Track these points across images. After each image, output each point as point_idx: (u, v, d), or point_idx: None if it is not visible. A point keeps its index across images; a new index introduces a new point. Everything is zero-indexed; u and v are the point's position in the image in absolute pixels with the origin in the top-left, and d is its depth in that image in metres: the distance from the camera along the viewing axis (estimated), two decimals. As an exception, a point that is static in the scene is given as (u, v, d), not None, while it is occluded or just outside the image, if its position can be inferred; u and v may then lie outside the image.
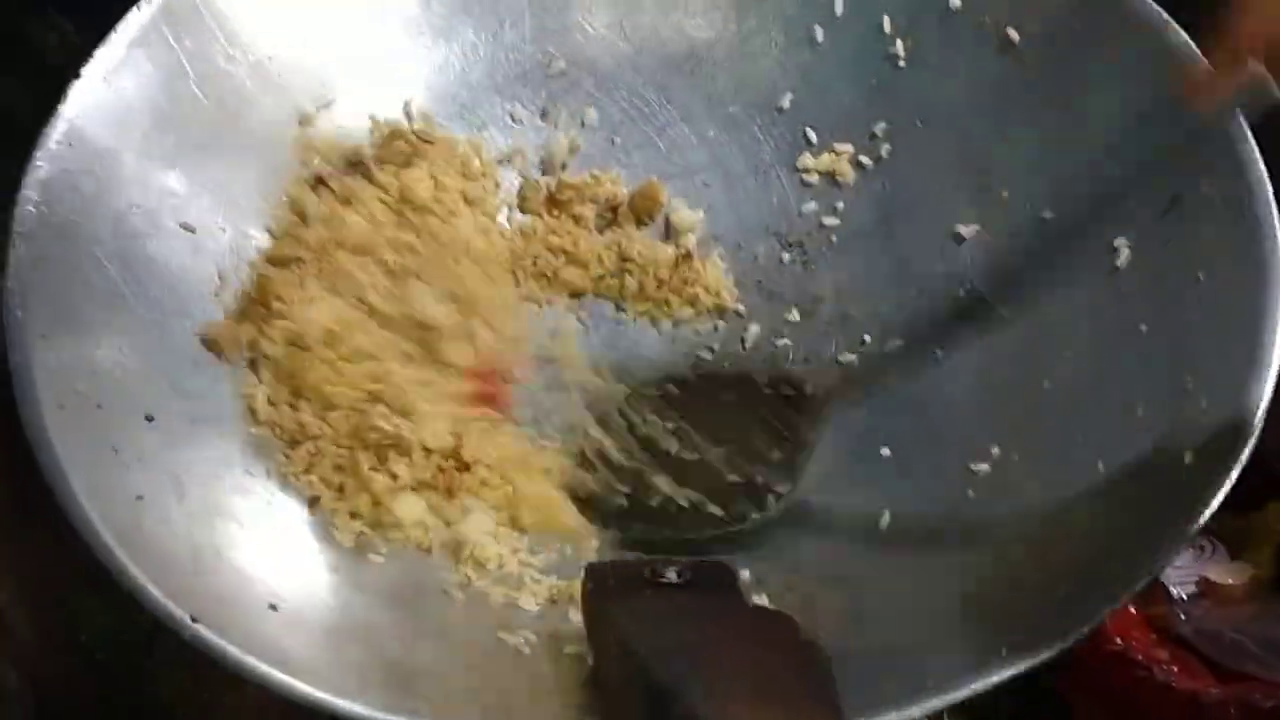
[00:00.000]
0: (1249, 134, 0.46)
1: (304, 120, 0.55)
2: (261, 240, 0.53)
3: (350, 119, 0.56)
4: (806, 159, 0.59)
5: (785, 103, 0.59)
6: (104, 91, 0.50)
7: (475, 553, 0.48)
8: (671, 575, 0.43)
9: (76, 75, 0.49)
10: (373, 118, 0.56)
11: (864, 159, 0.58)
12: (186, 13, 0.52)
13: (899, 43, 0.57)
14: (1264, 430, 0.42)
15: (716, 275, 0.57)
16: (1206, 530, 0.71)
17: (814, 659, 0.37)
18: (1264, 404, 0.42)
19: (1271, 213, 0.45)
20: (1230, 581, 0.68)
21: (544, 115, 0.59)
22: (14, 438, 0.43)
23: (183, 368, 0.48)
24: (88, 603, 0.55)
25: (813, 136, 0.59)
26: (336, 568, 0.46)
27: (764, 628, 0.40)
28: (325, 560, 0.47)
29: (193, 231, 0.51)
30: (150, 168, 0.51)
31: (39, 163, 0.47)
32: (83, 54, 0.50)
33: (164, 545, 0.42)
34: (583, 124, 0.59)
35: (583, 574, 0.44)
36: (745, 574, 0.48)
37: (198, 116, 0.52)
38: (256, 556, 0.45)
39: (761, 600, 0.47)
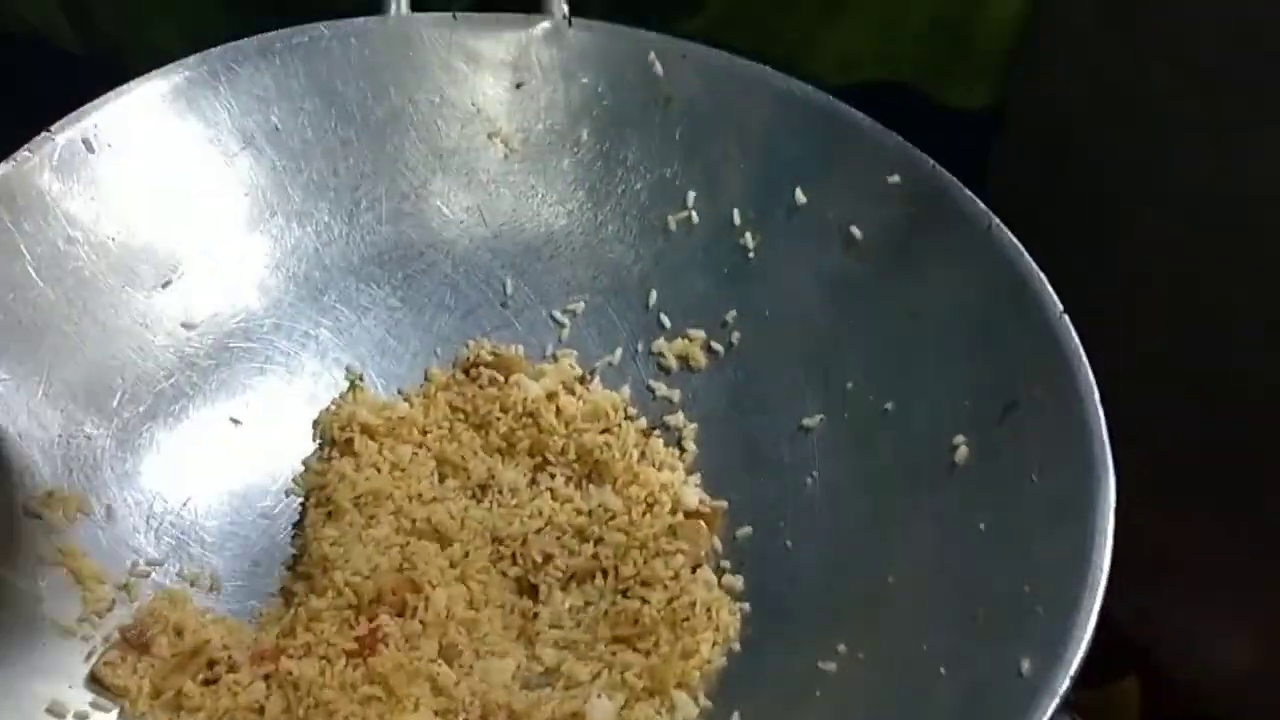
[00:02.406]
0: (1078, 342, 0.49)
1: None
2: (93, 425, 0.51)
3: (197, 297, 0.55)
4: (661, 343, 0.59)
5: (639, 288, 0.60)
6: (-71, 274, 0.48)
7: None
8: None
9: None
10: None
11: (715, 345, 0.59)
12: (25, 194, 0.51)
13: (748, 235, 0.58)
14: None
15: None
16: (1065, 704, 0.72)
17: None
18: (1095, 610, 0.43)
19: (1099, 418, 0.47)
20: (1091, 757, 0.68)
21: (400, 297, 0.59)
22: None
23: (4, 569, 0.46)
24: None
25: (667, 321, 0.60)
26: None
27: None
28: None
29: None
30: (-24, 353, 0.49)
31: None
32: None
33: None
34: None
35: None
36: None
37: (32, 298, 0.51)
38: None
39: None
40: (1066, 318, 0.49)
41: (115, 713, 0.46)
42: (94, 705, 0.46)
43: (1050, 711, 0.41)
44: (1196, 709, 0.70)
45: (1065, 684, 0.41)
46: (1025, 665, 0.42)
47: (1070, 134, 0.70)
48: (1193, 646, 0.73)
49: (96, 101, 0.54)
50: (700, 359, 0.59)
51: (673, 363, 0.59)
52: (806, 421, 0.56)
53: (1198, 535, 0.68)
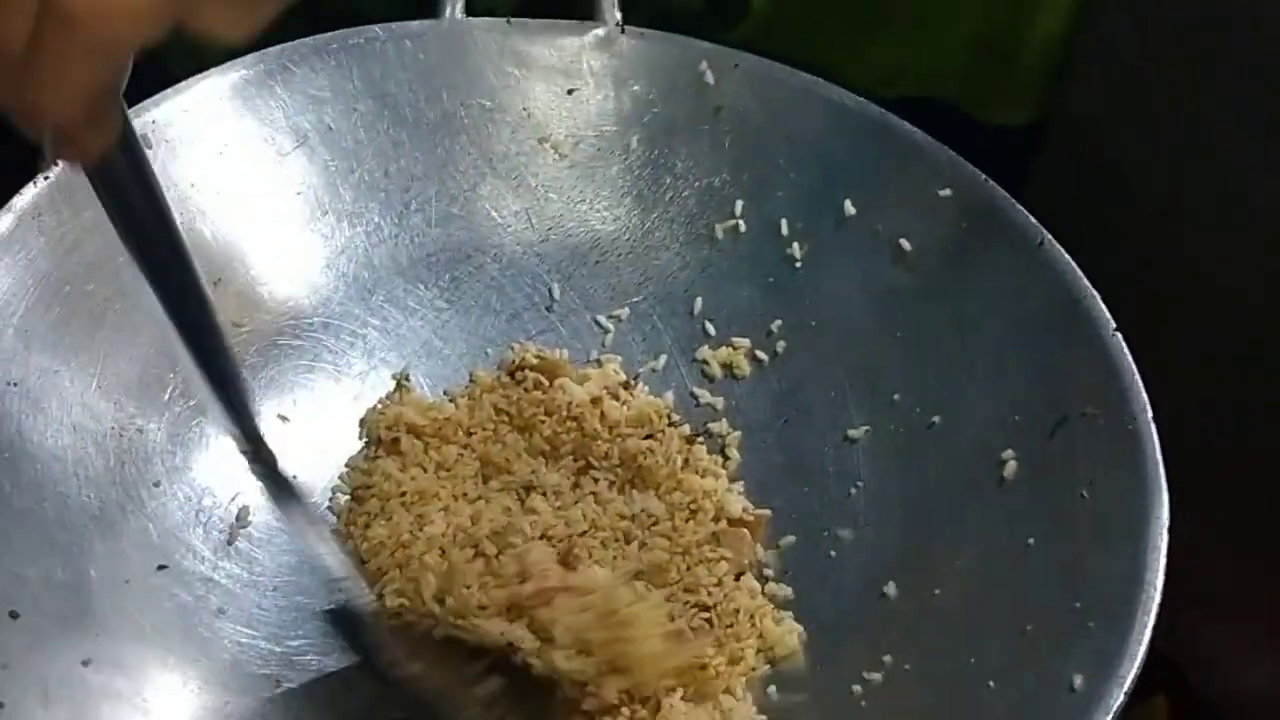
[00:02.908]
0: (1131, 360, 0.49)
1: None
2: (145, 420, 0.51)
3: (247, 295, 0.56)
4: (705, 350, 0.59)
5: (685, 295, 0.60)
6: (-11, 263, 0.49)
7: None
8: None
9: (-38, 250, 0.48)
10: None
11: (760, 354, 0.59)
12: (84, 188, 0.51)
13: (796, 245, 0.59)
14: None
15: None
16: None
17: None
18: (1149, 628, 0.43)
19: (1153, 437, 0.47)
20: (1115, 773, 0.68)
21: (447, 299, 0.59)
22: None
23: (55, 558, 0.46)
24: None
25: (711, 329, 0.60)
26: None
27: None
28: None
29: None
30: (32, 344, 0.49)
31: (-86, 337, 0.46)
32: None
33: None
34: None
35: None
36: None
37: (87, 292, 0.51)
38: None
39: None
40: (1120, 336, 0.49)
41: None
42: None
43: (1104, 730, 0.41)
44: (1225, 728, 0.70)
45: (1119, 699, 0.41)
46: (1078, 681, 0.42)
47: (1107, 150, 0.70)
48: (1222, 665, 0.73)
49: (155, 98, 0.54)
50: (745, 367, 0.59)
51: (717, 370, 0.59)
52: (851, 433, 0.56)
53: (1229, 553, 0.68)
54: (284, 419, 0.55)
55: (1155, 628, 0.43)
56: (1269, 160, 0.61)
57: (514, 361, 0.59)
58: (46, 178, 0.51)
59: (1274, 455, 0.66)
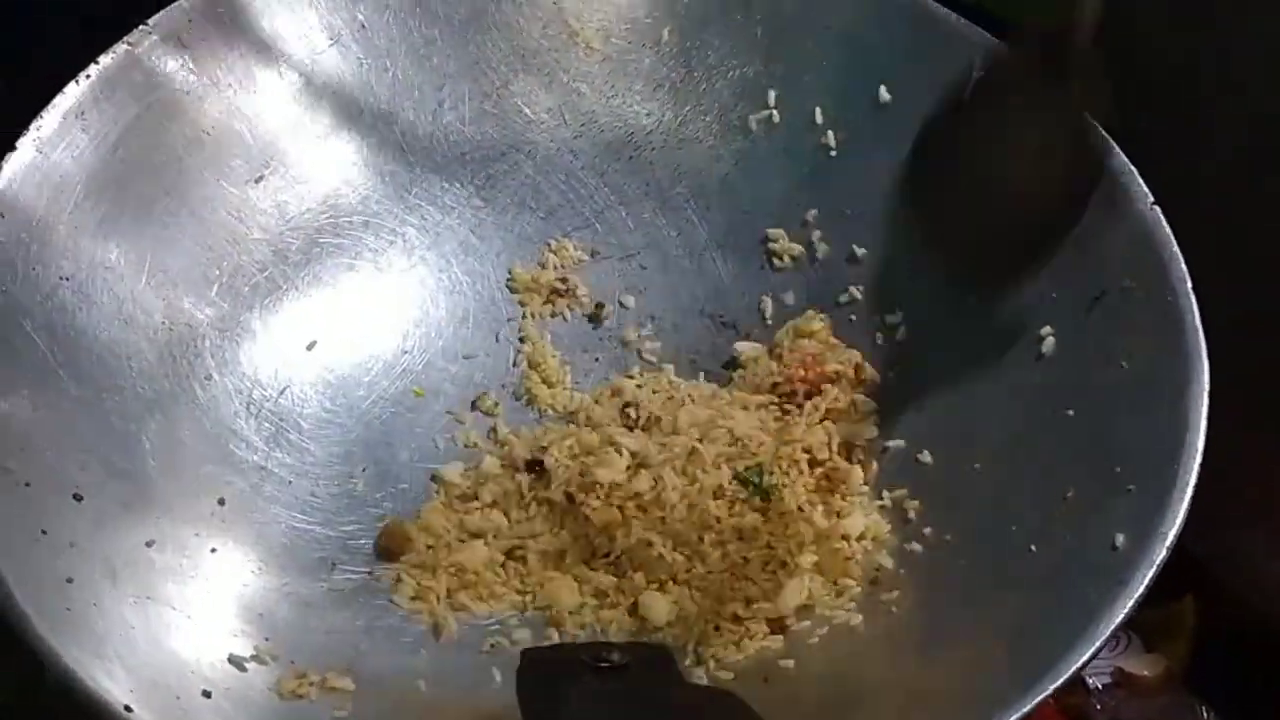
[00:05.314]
0: (1169, 232, 0.49)
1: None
2: (194, 314, 0.52)
3: (288, 193, 0.56)
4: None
5: (720, 188, 0.60)
6: (38, 162, 0.49)
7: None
8: (614, 658, 0.43)
9: (12, 147, 0.48)
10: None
11: (795, 245, 0.59)
12: (126, 87, 0.52)
13: (830, 133, 0.59)
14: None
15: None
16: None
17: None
18: (1190, 486, 0.43)
19: (1192, 306, 0.47)
20: (1145, 673, 0.69)
21: (483, 197, 0.60)
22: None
23: (114, 447, 0.47)
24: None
25: (747, 222, 0.60)
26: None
27: (711, 705, 0.40)
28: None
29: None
30: (82, 240, 0.50)
31: (-31, 234, 0.46)
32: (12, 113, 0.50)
33: (95, 629, 0.41)
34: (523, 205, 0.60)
35: (520, 659, 0.44)
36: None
37: (133, 189, 0.52)
38: (191, 642, 0.43)
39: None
40: (1158, 208, 0.49)
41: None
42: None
43: (1148, 582, 0.41)
44: (1253, 628, 0.71)
45: (1162, 555, 0.42)
46: (1120, 539, 0.43)
47: (1139, 46, 0.69)
48: (1251, 566, 0.73)
49: (191, -2, 0.54)
50: (780, 258, 0.59)
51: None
52: (889, 319, 0.56)
53: (1260, 454, 0.68)
54: (328, 315, 0.56)
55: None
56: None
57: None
58: (89, 76, 0.51)
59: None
